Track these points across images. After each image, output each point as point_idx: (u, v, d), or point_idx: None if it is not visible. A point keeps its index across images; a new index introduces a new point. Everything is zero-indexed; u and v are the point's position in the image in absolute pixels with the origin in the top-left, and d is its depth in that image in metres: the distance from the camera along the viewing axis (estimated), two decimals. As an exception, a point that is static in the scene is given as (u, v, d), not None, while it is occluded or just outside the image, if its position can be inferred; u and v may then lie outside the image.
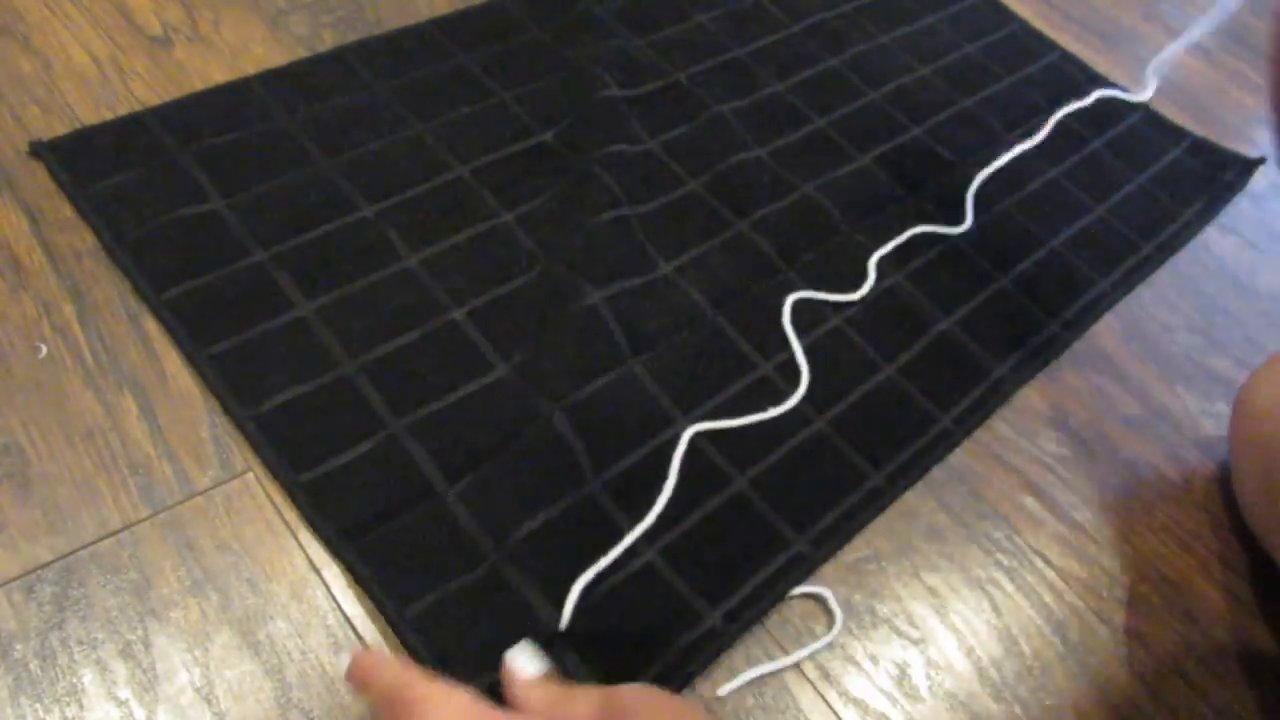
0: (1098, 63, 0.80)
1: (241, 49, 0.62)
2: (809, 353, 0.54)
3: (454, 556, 0.44)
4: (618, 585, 0.44)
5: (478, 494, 0.45)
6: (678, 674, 0.42)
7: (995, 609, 0.48)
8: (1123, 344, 0.60)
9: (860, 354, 0.55)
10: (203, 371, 0.47)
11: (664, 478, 0.48)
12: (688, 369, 0.52)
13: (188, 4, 0.65)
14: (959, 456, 0.53)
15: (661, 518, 0.46)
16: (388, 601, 0.42)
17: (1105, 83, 0.77)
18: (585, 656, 0.42)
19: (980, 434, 0.54)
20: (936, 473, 0.52)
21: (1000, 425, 0.55)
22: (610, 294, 0.54)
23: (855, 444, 0.51)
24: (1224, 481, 0.55)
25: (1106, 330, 0.61)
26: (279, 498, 0.44)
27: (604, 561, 0.44)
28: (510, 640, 0.39)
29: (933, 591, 0.48)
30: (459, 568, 0.43)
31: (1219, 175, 0.72)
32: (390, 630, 0.41)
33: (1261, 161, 0.74)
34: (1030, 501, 0.52)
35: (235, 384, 0.47)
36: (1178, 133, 0.75)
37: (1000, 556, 0.50)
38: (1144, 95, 0.77)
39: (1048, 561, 0.50)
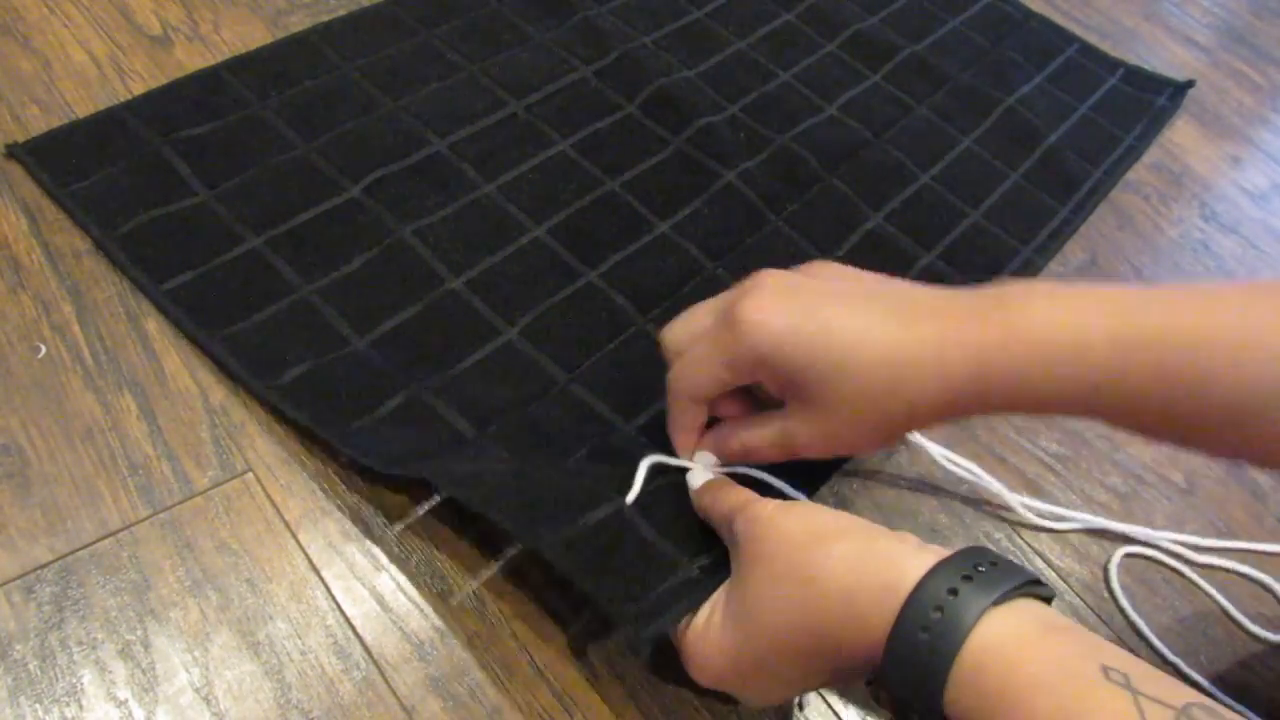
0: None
1: (242, 49, 0.62)
2: None
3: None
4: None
5: (508, 438, 0.47)
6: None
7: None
8: (1123, 344, 0.60)
9: None
10: (216, 355, 0.48)
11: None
12: None
13: (188, 4, 0.65)
14: (959, 455, 0.53)
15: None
16: (463, 494, 0.42)
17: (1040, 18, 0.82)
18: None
19: (981, 433, 0.54)
20: (937, 471, 0.52)
21: (1001, 425, 0.55)
22: (605, 270, 0.55)
23: None
24: (1226, 480, 0.55)
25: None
26: (279, 496, 0.44)
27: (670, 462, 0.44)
28: (577, 501, 0.42)
29: (933, 592, 0.48)
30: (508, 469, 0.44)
31: (1154, 100, 0.77)
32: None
33: (1191, 84, 0.78)
34: (1031, 501, 0.52)
35: (251, 363, 0.48)
36: (1112, 62, 0.79)
37: (1000, 557, 0.50)
38: None
39: (1048, 561, 0.50)
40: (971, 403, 0.37)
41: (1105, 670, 0.27)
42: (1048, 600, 0.32)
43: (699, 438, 0.44)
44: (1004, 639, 0.29)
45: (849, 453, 0.40)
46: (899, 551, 0.33)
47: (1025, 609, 0.31)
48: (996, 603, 0.30)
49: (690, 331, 0.42)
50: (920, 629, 0.30)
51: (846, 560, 0.33)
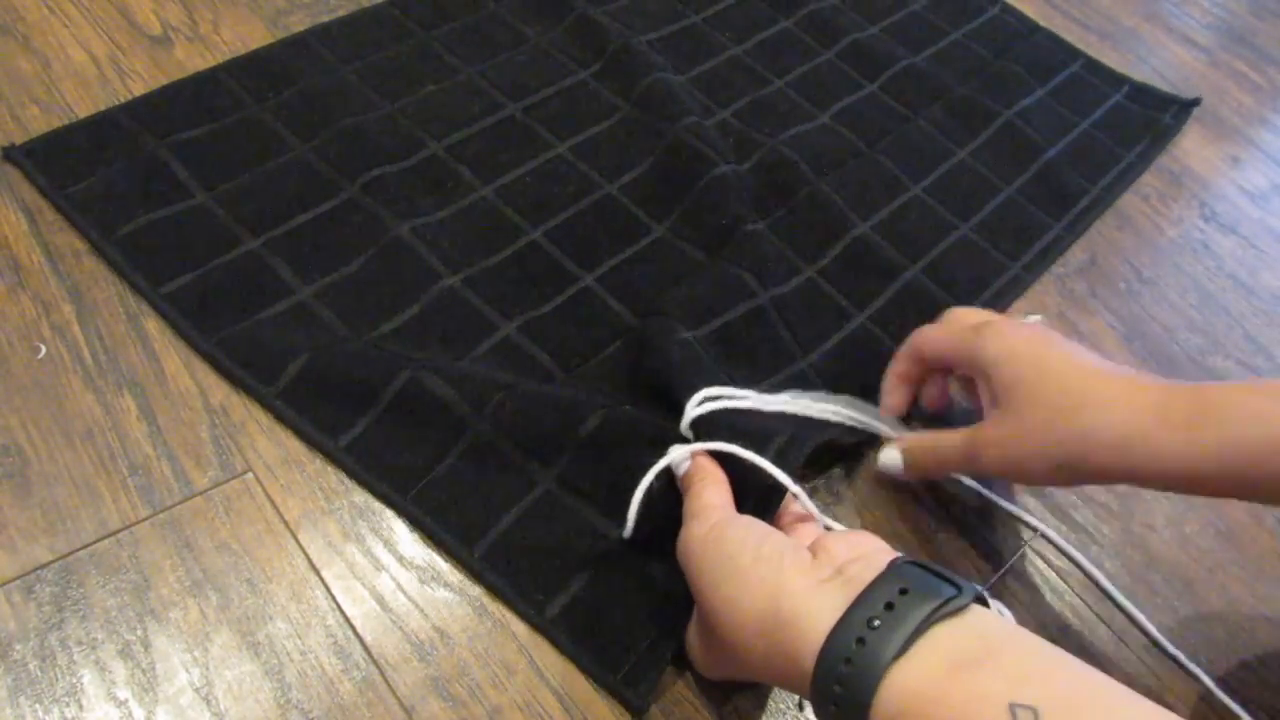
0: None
1: (241, 49, 0.62)
2: (787, 301, 0.56)
3: (505, 484, 0.46)
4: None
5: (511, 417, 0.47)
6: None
7: (996, 610, 0.48)
8: (1124, 344, 0.60)
9: (832, 303, 0.57)
10: (214, 358, 0.48)
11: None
12: (698, 313, 0.54)
13: (188, 4, 0.65)
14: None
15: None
16: (454, 543, 0.44)
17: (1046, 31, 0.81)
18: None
19: (980, 434, 0.54)
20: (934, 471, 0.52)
21: (1000, 425, 0.55)
22: (600, 274, 0.55)
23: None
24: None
25: (1107, 330, 0.61)
26: (279, 496, 0.44)
27: (661, 464, 0.44)
28: (577, 550, 0.44)
29: (933, 592, 0.48)
30: (513, 496, 0.45)
31: (1159, 118, 0.76)
32: (461, 568, 0.44)
33: (1197, 102, 0.77)
34: (1030, 501, 0.52)
35: (250, 365, 0.48)
36: (1118, 79, 0.78)
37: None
38: None
39: (1048, 561, 0.50)
40: (1139, 460, 0.39)
41: (1013, 710, 0.27)
42: (981, 600, 0.32)
43: (905, 390, 0.50)
44: (907, 700, 0.29)
45: (1022, 472, 0.44)
46: (801, 612, 0.33)
47: (933, 648, 0.30)
48: (902, 649, 0.30)
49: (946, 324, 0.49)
50: (831, 704, 0.31)
51: (755, 630, 0.35)
